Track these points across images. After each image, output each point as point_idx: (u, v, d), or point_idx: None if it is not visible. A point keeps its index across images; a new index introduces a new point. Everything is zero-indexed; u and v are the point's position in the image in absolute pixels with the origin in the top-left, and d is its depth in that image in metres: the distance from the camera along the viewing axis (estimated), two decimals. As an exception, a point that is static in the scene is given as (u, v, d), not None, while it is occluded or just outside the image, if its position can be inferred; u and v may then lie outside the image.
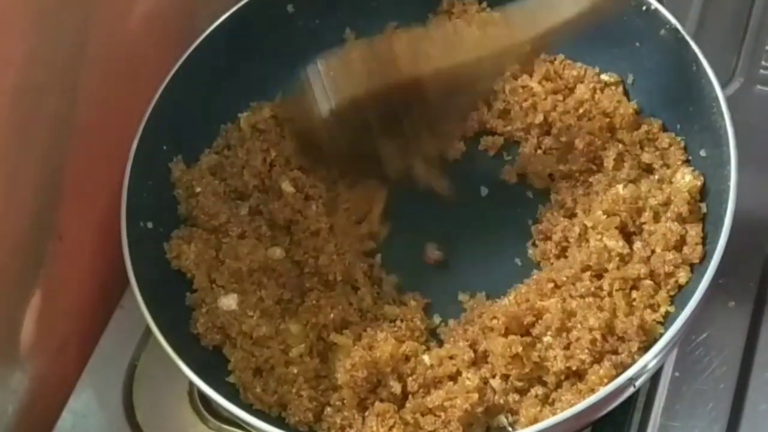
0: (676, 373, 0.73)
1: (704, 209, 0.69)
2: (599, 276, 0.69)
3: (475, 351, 0.68)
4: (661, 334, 0.64)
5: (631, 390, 0.64)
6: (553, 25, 0.70)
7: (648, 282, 0.67)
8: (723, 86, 0.70)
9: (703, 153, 0.71)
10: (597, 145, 0.75)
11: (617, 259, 0.68)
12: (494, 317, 0.68)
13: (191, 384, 0.72)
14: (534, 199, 0.77)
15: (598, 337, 0.64)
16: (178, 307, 0.74)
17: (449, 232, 0.78)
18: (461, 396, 0.65)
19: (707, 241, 0.67)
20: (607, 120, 0.76)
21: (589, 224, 0.71)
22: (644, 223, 0.69)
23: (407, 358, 0.69)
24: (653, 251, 0.68)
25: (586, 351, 0.64)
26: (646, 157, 0.73)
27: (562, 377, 0.65)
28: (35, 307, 0.75)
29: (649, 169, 0.73)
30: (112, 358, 0.80)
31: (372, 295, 0.74)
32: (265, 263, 0.74)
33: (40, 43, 0.69)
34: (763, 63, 0.88)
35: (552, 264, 0.72)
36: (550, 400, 0.65)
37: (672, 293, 0.67)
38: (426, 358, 0.68)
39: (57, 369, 0.79)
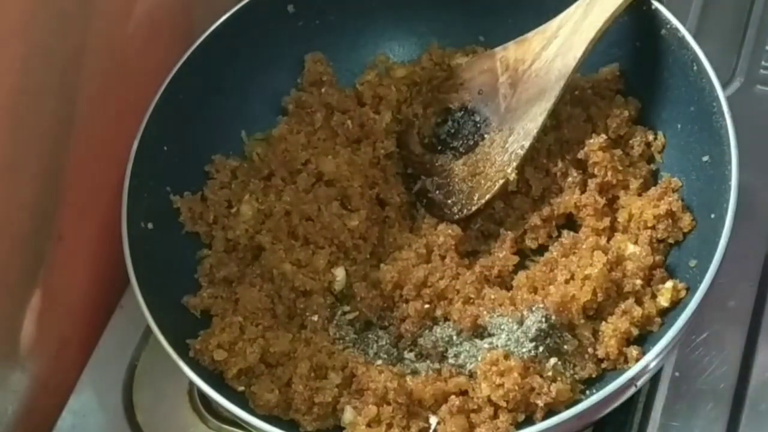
0: (676, 373, 0.73)
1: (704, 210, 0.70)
2: None
3: None
4: (662, 334, 0.64)
5: (632, 390, 0.64)
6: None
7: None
8: (723, 86, 0.70)
9: (704, 156, 0.71)
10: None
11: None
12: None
13: (191, 384, 0.72)
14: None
15: None
16: (178, 307, 0.74)
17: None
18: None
19: (707, 242, 0.67)
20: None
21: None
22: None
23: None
24: None
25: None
26: None
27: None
28: (35, 307, 0.75)
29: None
30: (112, 358, 0.80)
31: None
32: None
33: (40, 43, 0.69)
34: (763, 63, 0.88)
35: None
36: None
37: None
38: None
39: (57, 369, 0.79)
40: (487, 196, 0.76)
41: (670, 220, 0.71)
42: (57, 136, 0.74)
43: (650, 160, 0.76)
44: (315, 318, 0.74)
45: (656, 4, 0.74)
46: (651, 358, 0.63)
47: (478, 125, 0.78)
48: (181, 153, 0.79)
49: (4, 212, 0.70)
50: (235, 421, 0.70)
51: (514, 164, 0.75)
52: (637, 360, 0.64)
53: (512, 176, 0.75)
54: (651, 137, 0.76)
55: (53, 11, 0.70)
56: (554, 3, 0.76)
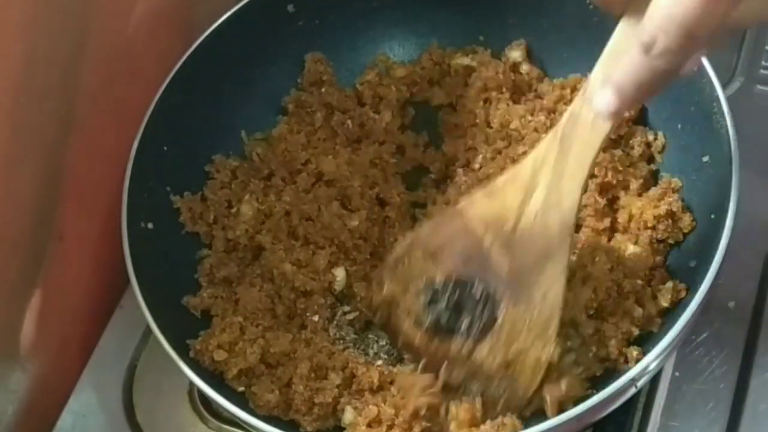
0: (676, 373, 0.73)
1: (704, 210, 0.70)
2: None
3: None
4: (662, 335, 0.64)
5: (632, 391, 0.64)
6: None
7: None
8: (723, 86, 0.70)
9: (704, 156, 0.71)
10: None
11: None
12: None
13: (191, 384, 0.72)
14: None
15: None
16: (178, 307, 0.74)
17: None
18: None
19: (707, 242, 0.67)
20: None
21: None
22: None
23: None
24: None
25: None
26: None
27: None
28: (35, 307, 0.75)
29: None
30: (112, 358, 0.80)
31: None
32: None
33: (40, 43, 0.69)
34: (763, 63, 0.88)
35: None
36: None
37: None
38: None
39: (57, 369, 0.79)
40: (534, 386, 0.65)
41: (670, 221, 0.71)
42: (57, 136, 0.74)
43: (650, 160, 0.76)
44: (315, 318, 0.74)
45: (656, 4, 0.74)
46: (651, 358, 0.63)
47: (482, 297, 0.66)
48: (181, 153, 0.79)
49: (4, 212, 0.70)
50: (235, 421, 0.70)
51: (551, 348, 0.64)
52: (638, 360, 0.64)
53: (555, 356, 0.65)
54: (651, 137, 0.76)
55: (54, 11, 0.70)
56: (552, 3, 0.76)
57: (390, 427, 0.66)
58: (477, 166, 0.80)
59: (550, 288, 0.64)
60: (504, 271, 0.65)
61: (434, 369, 0.67)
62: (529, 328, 0.64)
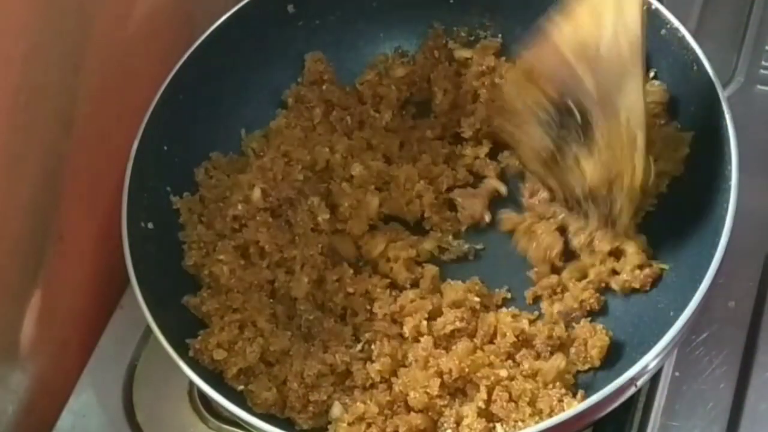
0: (676, 373, 0.73)
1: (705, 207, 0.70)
2: None
3: None
4: (662, 334, 0.64)
5: (632, 390, 0.64)
6: None
7: None
8: (723, 86, 0.70)
9: (704, 156, 0.71)
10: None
11: None
12: None
13: (191, 384, 0.72)
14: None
15: None
16: (178, 307, 0.74)
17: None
18: None
19: (708, 242, 0.67)
20: None
21: None
22: None
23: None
24: None
25: None
26: None
27: None
28: (35, 307, 0.75)
29: None
30: (112, 358, 0.80)
31: None
32: None
33: (40, 43, 0.69)
34: (763, 63, 0.88)
35: None
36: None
37: None
38: None
39: (57, 369, 0.79)
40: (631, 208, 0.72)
41: None
42: (57, 136, 0.74)
43: None
44: (312, 317, 0.74)
45: (656, 4, 0.74)
46: (651, 357, 0.63)
47: (582, 118, 0.71)
48: (181, 153, 0.79)
49: (4, 212, 0.70)
50: (235, 421, 0.70)
51: (640, 172, 0.70)
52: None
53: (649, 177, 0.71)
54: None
55: (53, 11, 0.70)
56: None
57: (369, 425, 0.66)
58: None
59: (632, 110, 0.67)
60: (594, 93, 0.68)
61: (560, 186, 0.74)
62: (621, 146, 0.68)
